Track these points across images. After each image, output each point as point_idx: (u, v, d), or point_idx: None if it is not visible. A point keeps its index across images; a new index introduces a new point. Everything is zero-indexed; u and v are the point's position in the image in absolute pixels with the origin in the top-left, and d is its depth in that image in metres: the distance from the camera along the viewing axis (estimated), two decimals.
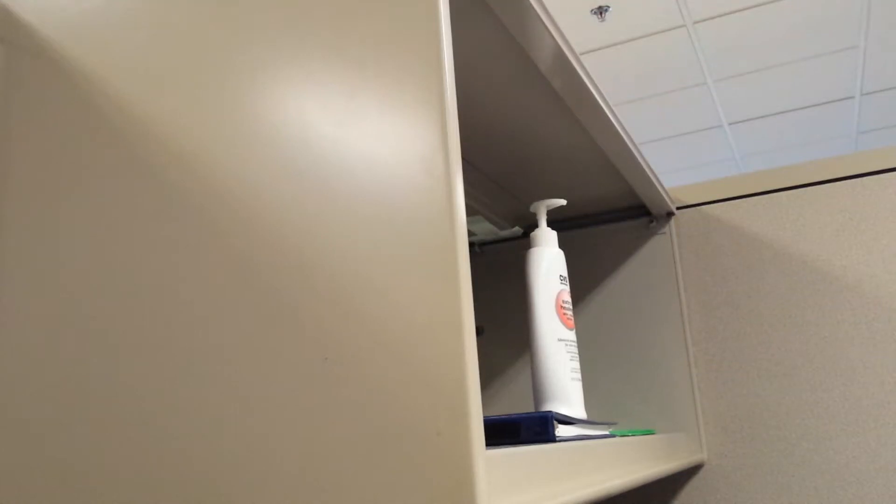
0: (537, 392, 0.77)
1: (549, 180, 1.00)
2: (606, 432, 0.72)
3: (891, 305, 0.98)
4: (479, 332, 1.21)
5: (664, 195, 1.04)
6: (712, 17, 3.10)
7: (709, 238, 1.10)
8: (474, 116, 0.79)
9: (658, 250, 1.11)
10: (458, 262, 0.38)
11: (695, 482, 1.03)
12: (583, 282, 1.14)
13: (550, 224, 1.17)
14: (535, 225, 0.84)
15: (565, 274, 0.81)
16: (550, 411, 0.61)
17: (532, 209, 0.85)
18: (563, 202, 0.84)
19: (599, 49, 3.31)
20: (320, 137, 0.42)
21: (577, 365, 0.78)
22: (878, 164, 1.02)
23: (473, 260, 1.24)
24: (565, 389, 0.76)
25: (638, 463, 0.69)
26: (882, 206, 1.01)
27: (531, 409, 1.09)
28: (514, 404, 1.14)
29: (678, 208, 1.12)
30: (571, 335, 0.79)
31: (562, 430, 0.62)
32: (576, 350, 0.79)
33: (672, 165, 4.48)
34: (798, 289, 1.03)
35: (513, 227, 1.18)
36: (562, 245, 1.16)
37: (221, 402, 0.42)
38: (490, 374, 1.17)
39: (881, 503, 0.93)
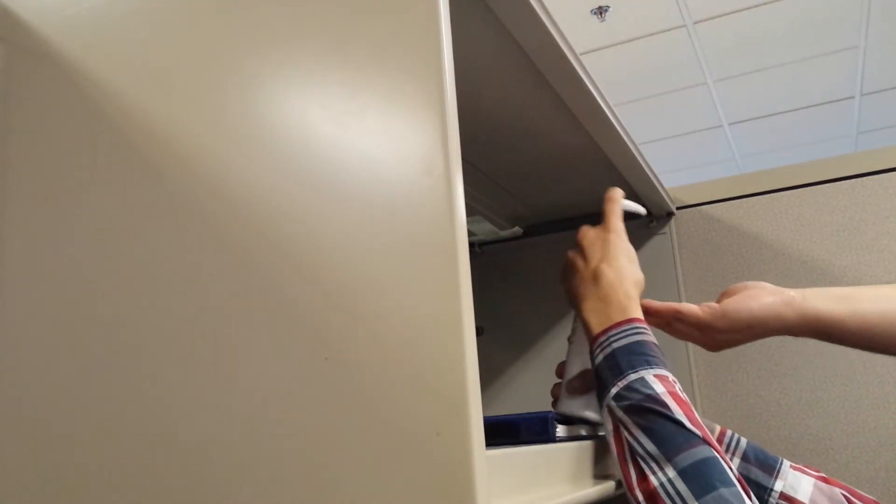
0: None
1: (549, 180, 1.00)
2: None
3: None
4: (479, 332, 1.21)
5: (664, 195, 1.04)
6: (712, 17, 3.10)
7: (709, 238, 1.10)
8: (474, 116, 0.79)
9: (658, 250, 1.10)
10: (458, 262, 0.38)
11: None
12: None
13: (550, 224, 1.17)
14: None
15: None
16: (550, 411, 0.61)
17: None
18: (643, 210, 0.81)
19: (599, 49, 3.31)
20: (321, 137, 0.42)
21: None
22: (878, 164, 1.02)
23: (473, 260, 1.23)
24: None
25: None
26: (882, 206, 1.01)
27: (531, 409, 1.09)
28: (514, 404, 1.14)
29: (678, 208, 1.12)
30: None
31: (562, 431, 0.62)
32: None
33: (672, 165, 4.48)
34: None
35: (513, 227, 1.17)
36: (562, 245, 1.16)
37: (222, 402, 0.42)
38: (490, 374, 1.16)
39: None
